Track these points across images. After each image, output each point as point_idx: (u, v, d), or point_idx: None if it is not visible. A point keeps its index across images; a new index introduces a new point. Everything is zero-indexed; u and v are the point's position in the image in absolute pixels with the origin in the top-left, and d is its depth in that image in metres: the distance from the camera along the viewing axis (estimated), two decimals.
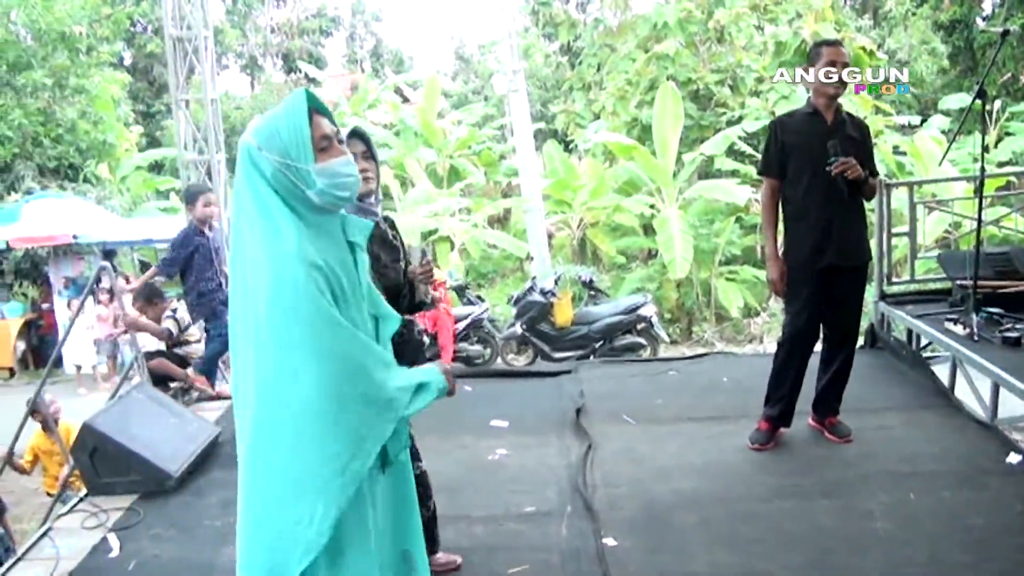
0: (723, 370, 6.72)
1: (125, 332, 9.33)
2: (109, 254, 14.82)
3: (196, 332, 7.25)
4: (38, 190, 16.16)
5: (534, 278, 12.89)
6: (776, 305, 14.36)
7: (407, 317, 3.00)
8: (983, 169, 5.31)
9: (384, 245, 3.21)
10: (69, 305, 13.83)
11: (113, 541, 4.23)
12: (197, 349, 7.11)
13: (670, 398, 6.03)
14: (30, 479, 7.64)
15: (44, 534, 4.38)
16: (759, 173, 4.80)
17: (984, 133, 5.68)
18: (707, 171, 17.08)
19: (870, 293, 6.34)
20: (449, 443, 5.13)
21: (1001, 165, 15.51)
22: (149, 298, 6.86)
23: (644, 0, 27.74)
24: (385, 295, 2.46)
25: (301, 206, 2.07)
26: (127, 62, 28.89)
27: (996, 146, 16.63)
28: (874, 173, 4.67)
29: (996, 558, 3.48)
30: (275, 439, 2.03)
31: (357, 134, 2.98)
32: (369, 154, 2.98)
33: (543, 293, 11.72)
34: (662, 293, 15.09)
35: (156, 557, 4.06)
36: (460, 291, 12.69)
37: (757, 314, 14.87)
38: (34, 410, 6.60)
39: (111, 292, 9.64)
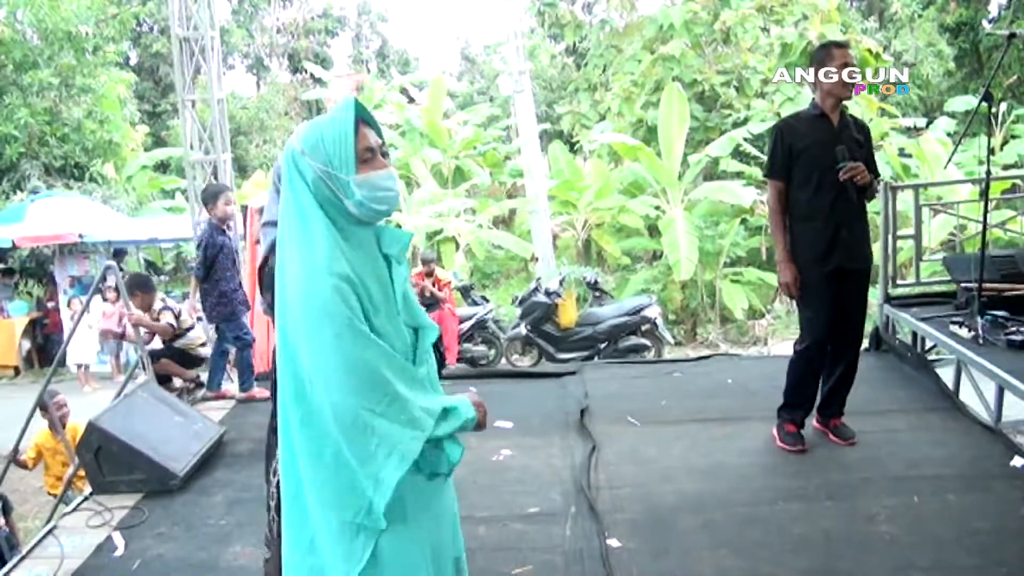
0: (727, 372, 6.71)
1: (122, 337, 9.36)
2: (119, 253, 14.85)
3: (200, 332, 7.26)
4: (44, 189, 16.22)
5: (539, 279, 12.90)
6: (781, 307, 14.37)
7: None
8: (989, 172, 5.31)
9: None
10: (70, 304, 13.86)
11: (118, 540, 4.24)
12: (194, 339, 7.12)
13: (674, 400, 6.03)
14: (35, 478, 7.66)
15: (49, 532, 4.39)
16: (765, 176, 4.78)
17: (990, 136, 5.67)
18: (712, 172, 17.08)
19: (874, 295, 6.33)
20: None
21: (1007, 168, 15.51)
22: (132, 289, 6.82)
23: (650, 1, 27.79)
24: None
25: (338, 216, 2.07)
26: (133, 62, 28.93)
27: (1002, 149, 16.61)
28: (876, 174, 4.68)
29: (1001, 562, 3.47)
30: (294, 444, 2.07)
31: None
32: None
33: (548, 294, 11.73)
34: (667, 294, 15.08)
35: (160, 556, 4.07)
36: (465, 292, 12.71)
37: (762, 316, 14.87)
38: (43, 407, 6.61)
39: (117, 291, 9.65)
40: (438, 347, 2.42)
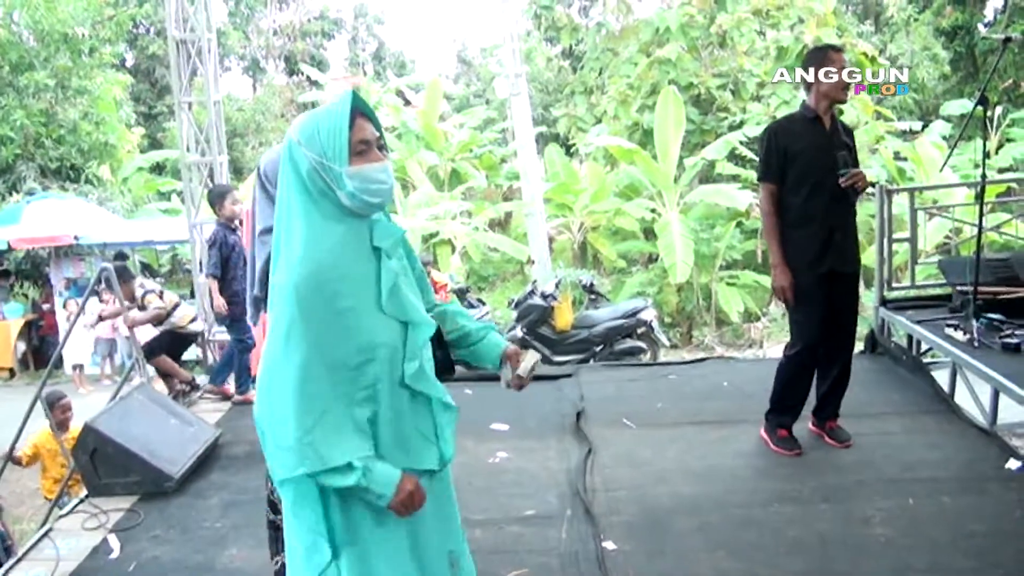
0: (723, 375, 6.73)
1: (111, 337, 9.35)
2: (121, 257, 14.82)
3: (188, 308, 7.34)
4: (40, 191, 16.18)
5: (535, 282, 12.88)
6: (776, 310, 14.38)
7: None
8: (984, 175, 5.33)
9: None
10: (65, 306, 13.84)
11: (113, 542, 4.24)
12: (184, 317, 7.17)
13: (670, 402, 6.04)
14: (31, 479, 7.64)
15: (44, 535, 4.39)
16: (759, 179, 4.75)
17: (985, 139, 5.69)
18: (708, 175, 17.10)
19: (870, 298, 6.35)
20: None
21: (1002, 171, 15.54)
22: (111, 283, 6.83)
23: (646, 4, 27.78)
24: None
25: (331, 207, 2.09)
26: (129, 64, 28.89)
27: (997, 152, 16.64)
28: None
29: (997, 564, 3.48)
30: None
31: None
32: None
33: (544, 297, 11.72)
34: (662, 297, 15.09)
35: (156, 559, 4.07)
36: (461, 294, 12.68)
37: (757, 319, 14.88)
38: (50, 405, 6.61)
39: (113, 294, 9.67)
40: (443, 347, 2.39)
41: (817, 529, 3.89)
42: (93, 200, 16.60)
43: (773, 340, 13.87)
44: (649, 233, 16.47)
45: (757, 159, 4.83)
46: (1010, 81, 20.02)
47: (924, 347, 6.23)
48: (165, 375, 7.09)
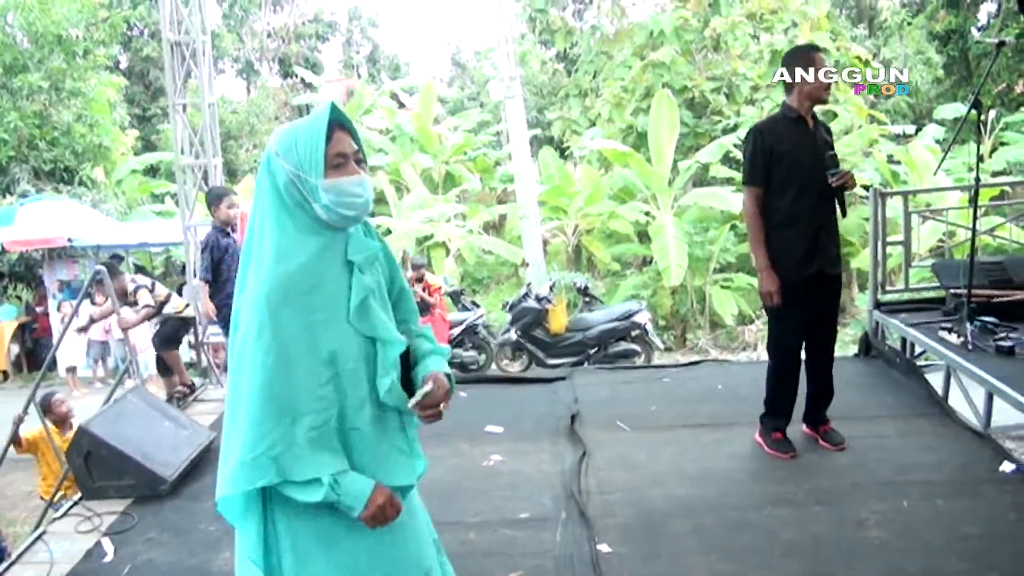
0: (717, 377, 6.73)
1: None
2: (115, 259, 14.78)
3: (179, 299, 7.38)
4: (33, 193, 16.14)
5: (529, 284, 12.89)
6: None
7: None
8: (978, 179, 5.33)
9: None
10: (59, 308, 13.81)
11: (107, 545, 4.23)
12: (179, 305, 7.26)
13: (664, 405, 6.04)
14: (24, 482, 7.63)
15: (38, 538, 4.38)
16: (745, 183, 4.69)
17: (979, 143, 5.68)
18: (702, 179, 17.12)
19: (864, 301, 6.36)
20: (444, 449, 5.13)
21: (995, 175, 15.56)
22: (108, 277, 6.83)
23: (641, 8, 27.86)
24: None
25: (307, 219, 2.09)
26: (123, 66, 28.83)
27: (991, 156, 16.67)
28: None
29: (991, 567, 3.48)
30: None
31: None
32: None
33: (538, 299, 11.73)
34: (656, 300, 15.10)
35: (150, 562, 4.05)
36: (455, 297, 12.69)
37: (751, 322, 14.90)
38: (45, 409, 6.60)
39: (106, 296, 9.67)
40: (409, 366, 2.32)
41: (811, 532, 3.89)
42: (87, 202, 16.56)
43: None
44: (643, 236, 16.47)
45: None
46: (1003, 85, 20.09)
47: (918, 350, 6.24)
48: (167, 370, 7.13)
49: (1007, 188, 11.69)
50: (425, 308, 11.01)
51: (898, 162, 16.03)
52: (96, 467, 4.81)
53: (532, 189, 15.79)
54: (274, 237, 2.06)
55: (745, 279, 15.09)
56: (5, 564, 4.22)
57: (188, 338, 7.73)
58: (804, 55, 4.58)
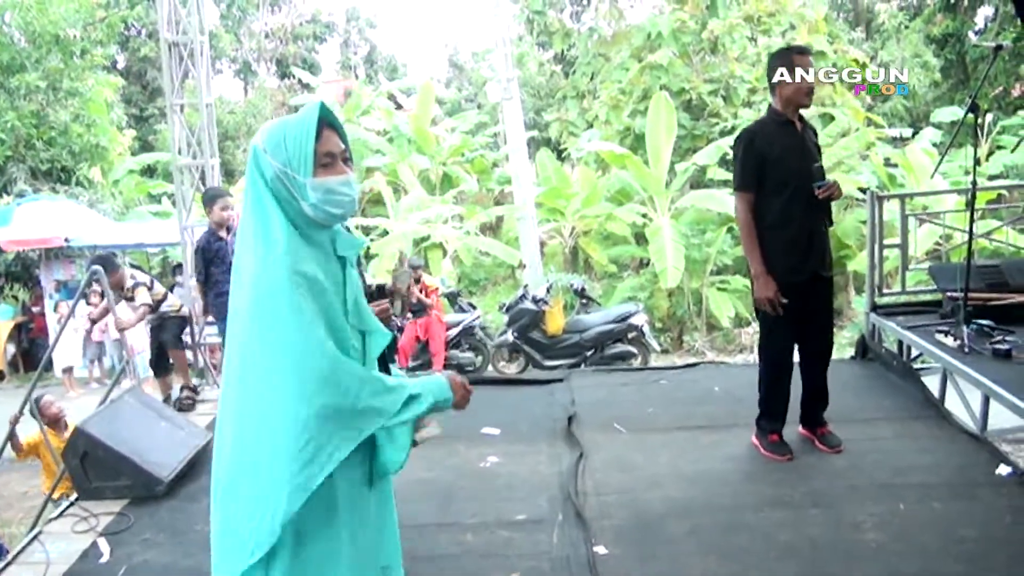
0: (714, 379, 6.74)
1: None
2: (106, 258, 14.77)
3: (175, 298, 7.39)
4: (30, 193, 16.13)
5: (526, 286, 12.90)
6: None
7: None
8: (975, 182, 5.34)
9: None
10: (56, 308, 13.79)
11: (103, 546, 4.23)
12: (175, 303, 7.27)
13: (661, 407, 6.04)
14: (19, 483, 7.62)
15: (34, 538, 4.37)
16: (737, 189, 4.65)
17: (976, 146, 5.69)
18: (699, 181, 17.11)
19: (860, 304, 6.36)
20: (441, 450, 5.12)
21: (992, 178, 15.59)
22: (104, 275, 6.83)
23: (638, 10, 27.87)
24: None
25: (295, 216, 2.09)
26: (121, 66, 28.84)
27: (987, 159, 16.69)
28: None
29: (988, 569, 3.49)
30: (243, 434, 2.06)
31: None
32: None
33: (535, 301, 11.72)
34: (653, 302, 15.10)
35: (146, 562, 4.05)
36: (452, 298, 12.69)
37: (748, 324, 14.89)
38: (41, 411, 6.59)
39: (102, 296, 9.67)
40: (387, 358, 2.40)
41: (808, 534, 3.89)
42: (84, 202, 16.55)
43: None
44: (640, 238, 16.48)
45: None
46: (1000, 88, 20.13)
47: (915, 353, 6.25)
48: (163, 371, 7.13)
49: (1004, 191, 11.67)
50: (422, 309, 11.01)
51: (895, 165, 16.05)
52: (92, 468, 4.80)
53: (529, 191, 15.80)
54: (280, 234, 2.05)
55: (742, 281, 15.09)
56: (1, 564, 4.21)
57: (185, 338, 7.74)
58: (784, 57, 4.56)
